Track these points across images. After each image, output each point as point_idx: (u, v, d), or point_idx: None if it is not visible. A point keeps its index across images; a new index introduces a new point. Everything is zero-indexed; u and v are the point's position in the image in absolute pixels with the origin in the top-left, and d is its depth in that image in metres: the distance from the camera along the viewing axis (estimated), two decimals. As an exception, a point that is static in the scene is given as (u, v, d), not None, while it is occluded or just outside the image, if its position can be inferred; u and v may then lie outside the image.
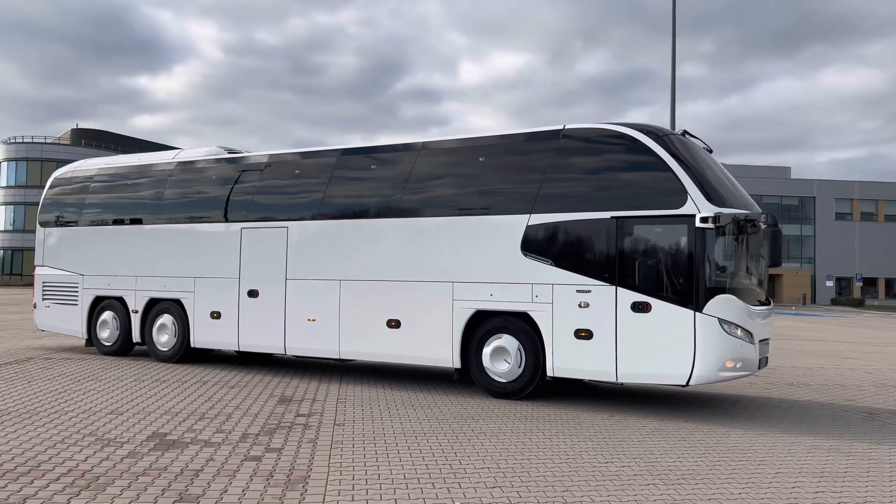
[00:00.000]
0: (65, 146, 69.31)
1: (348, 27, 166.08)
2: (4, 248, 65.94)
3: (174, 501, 5.19)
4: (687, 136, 9.65)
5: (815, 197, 72.54)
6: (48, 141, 71.34)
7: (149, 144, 72.02)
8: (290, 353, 11.30)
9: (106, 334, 13.36)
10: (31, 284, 13.62)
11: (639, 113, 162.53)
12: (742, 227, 8.58)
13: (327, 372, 11.95)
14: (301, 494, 5.43)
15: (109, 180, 13.83)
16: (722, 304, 8.41)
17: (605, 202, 9.02)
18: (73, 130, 75.42)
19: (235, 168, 12.35)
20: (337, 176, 11.11)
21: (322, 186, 11.18)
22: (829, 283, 66.46)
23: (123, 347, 13.21)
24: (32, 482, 5.55)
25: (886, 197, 71.14)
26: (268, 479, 5.79)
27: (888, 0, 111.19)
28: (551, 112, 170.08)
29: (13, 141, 70.49)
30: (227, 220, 12.07)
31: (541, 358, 9.32)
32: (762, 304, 9.49)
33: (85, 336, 13.69)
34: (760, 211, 8.72)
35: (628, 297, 8.73)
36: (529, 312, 9.37)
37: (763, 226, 8.64)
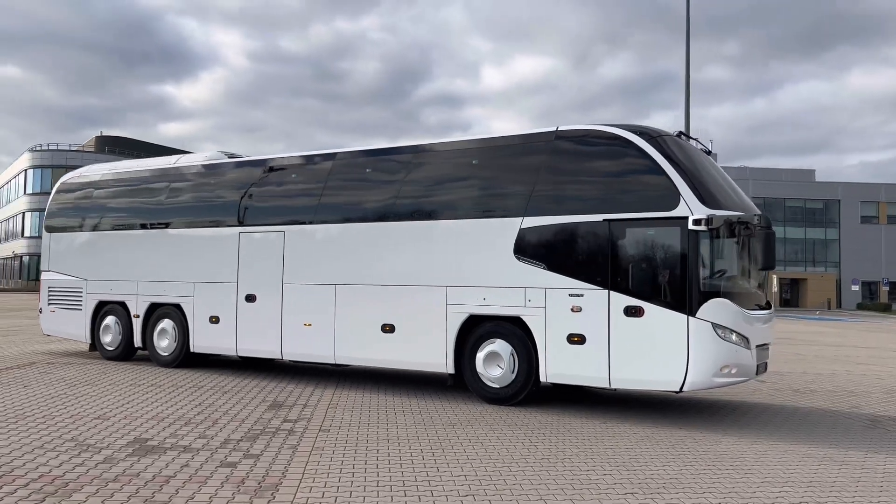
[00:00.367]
0: (89, 153, 70.17)
1: (371, 33, 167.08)
2: (30, 255, 66.86)
3: (136, 508, 5.14)
4: (683, 137, 9.48)
5: (839, 200, 71.51)
6: (73, 148, 72.29)
7: (172, 151, 72.78)
8: (286, 358, 11.25)
9: (108, 339, 13.40)
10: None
11: (663, 116, 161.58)
12: (736, 229, 8.38)
13: (325, 377, 11.89)
14: (268, 502, 5.35)
15: (112, 185, 13.90)
16: (715, 309, 8.22)
17: (598, 204, 8.87)
18: (97, 138, 76.41)
19: (233, 173, 12.35)
20: (332, 179, 11.05)
21: (318, 190, 11.13)
22: (855, 288, 65.37)
23: (126, 352, 13.25)
24: (1, 487, 5.52)
25: (913, 199, 70.02)
26: (238, 487, 5.71)
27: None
28: (575, 116, 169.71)
29: (38, 148, 71.54)
30: (225, 225, 12.06)
31: (534, 363, 9.18)
32: (761, 308, 9.29)
33: (88, 341, 13.75)
34: (754, 213, 8.51)
35: (621, 301, 8.57)
36: (522, 317, 9.23)
37: (756, 228, 8.41)
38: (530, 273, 9.18)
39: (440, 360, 9.81)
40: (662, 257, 8.48)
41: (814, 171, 76.77)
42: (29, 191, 69.15)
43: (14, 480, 5.71)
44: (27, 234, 68.04)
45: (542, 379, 9.11)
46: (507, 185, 9.63)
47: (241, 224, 11.84)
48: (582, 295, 8.82)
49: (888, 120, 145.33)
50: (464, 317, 9.65)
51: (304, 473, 6.11)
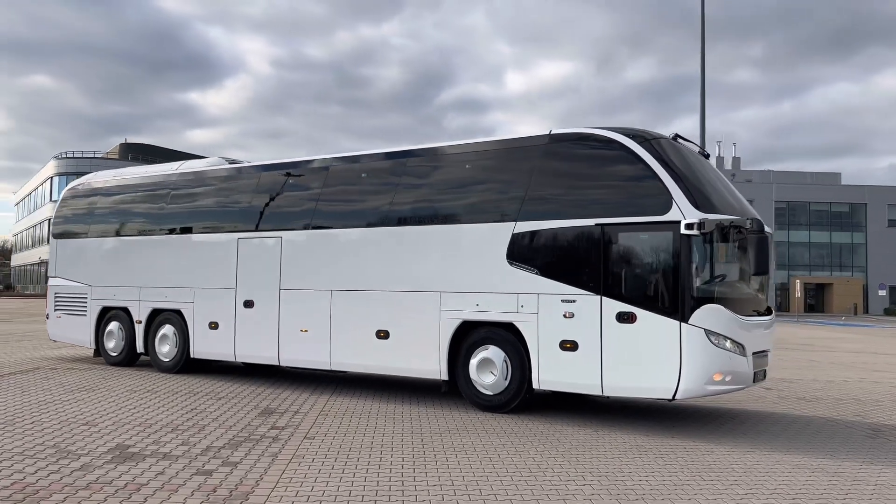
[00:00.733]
0: (113, 160, 71.08)
1: (393, 39, 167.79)
2: (55, 260, 67.63)
3: (98, 517, 5.09)
4: (679, 140, 9.31)
5: (866, 203, 70.38)
6: (97, 156, 73.22)
7: (194, 158, 73.41)
8: (283, 363, 11.21)
9: (112, 345, 13.46)
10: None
11: (688, 119, 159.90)
12: (729, 233, 8.19)
13: (322, 383, 11.83)
14: (235, 511, 5.29)
15: (115, 192, 13.98)
16: (709, 315, 8.04)
17: (590, 209, 8.73)
18: (121, 145, 77.34)
19: (231, 178, 12.36)
20: (328, 184, 11.01)
21: (314, 195, 11.10)
22: (882, 293, 64.21)
23: (129, 358, 13.29)
24: (-30, 495, 5.51)
25: (942, 203, 68.75)
26: (208, 495, 5.64)
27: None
28: (598, 120, 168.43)
29: (64, 156, 72.60)
30: (224, 231, 12.07)
31: (527, 370, 9.04)
32: (760, 314, 9.08)
33: (93, 347, 13.83)
34: (747, 217, 8.30)
35: (613, 307, 8.42)
36: (515, 323, 9.11)
37: (749, 232, 8.19)
38: (523, 278, 9.05)
39: (434, 367, 9.71)
40: (655, 262, 8.32)
41: (839, 174, 75.74)
42: (54, 198, 70.14)
43: (-15, 487, 5.69)
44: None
45: (535, 386, 8.97)
46: (500, 189, 9.51)
47: (239, 230, 11.83)
48: (574, 301, 8.67)
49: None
50: (457, 323, 9.54)
51: (278, 482, 6.04)
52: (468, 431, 8.20)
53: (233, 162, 13.05)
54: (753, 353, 8.54)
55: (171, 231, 12.81)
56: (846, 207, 71.02)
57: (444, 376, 9.67)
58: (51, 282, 14.64)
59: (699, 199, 8.26)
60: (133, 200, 13.63)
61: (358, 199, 10.72)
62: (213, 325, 11.94)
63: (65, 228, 14.63)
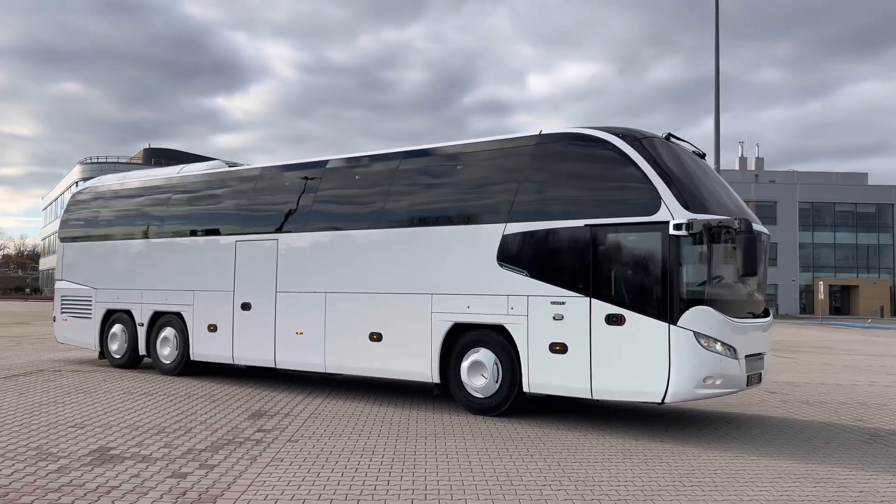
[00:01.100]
0: (137, 165, 71.86)
1: (417, 43, 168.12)
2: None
3: (60, 520, 5.08)
4: (672, 139, 9.17)
5: (893, 204, 69.23)
6: (121, 160, 74.11)
7: (235, 164, 73.89)
8: (279, 366, 11.20)
9: (115, 347, 13.56)
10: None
11: (713, 120, 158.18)
12: (718, 234, 8.01)
13: (319, 386, 11.80)
14: (199, 514, 5.26)
15: (119, 196, 14.09)
16: (698, 317, 7.89)
17: (580, 209, 8.62)
18: (145, 150, 78.24)
19: (229, 181, 12.40)
20: (323, 187, 10.99)
21: (309, 197, 11.08)
22: (910, 294, 63.06)
23: (132, 360, 13.37)
24: (-60, 497, 5.53)
25: (971, 203, 67.44)
26: (178, 498, 5.62)
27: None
28: (623, 121, 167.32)
29: (89, 161, 73.56)
30: (222, 233, 12.10)
31: (518, 373, 8.94)
32: (756, 316, 8.92)
33: (98, 349, 13.94)
34: (736, 217, 8.12)
35: (602, 309, 8.30)
36: (505, 325, 9.02)
37: (737, 232, 8.01)
38: (513, 280, 8.96)
39: (426, 370, 9.65)
40: (644, 264, 8.19)
41: (866, 174, 74.62)
42: (79, 202, 70.97)
43: (-43, 489, 5.72)
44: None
45: (525, 389, 8.87)
46: (491, 190, 9.43)
47: (237, 232, 11.86)
48: (564, 303, 8.56)
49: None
50: (448, 325, 9.47)
51: (250, 485, 6.00)
52: (454, 435, 8.12)
53: (232, 165, 13.09)
54: (747, 356, 8.37)
55: (172, 234, 12.88)
56: (872, 208, 69.89)
57: (436, 379, 9.60)
58: (58, 285, 14.79)
59: (689, 199, 8.12)
60: (136, 204, 13.72)
61: (351, 201, 10.70)
62: (212, 328, 11.97)
63: (71, 232, 14.77)
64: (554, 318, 8.61)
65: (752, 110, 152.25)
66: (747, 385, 8.47)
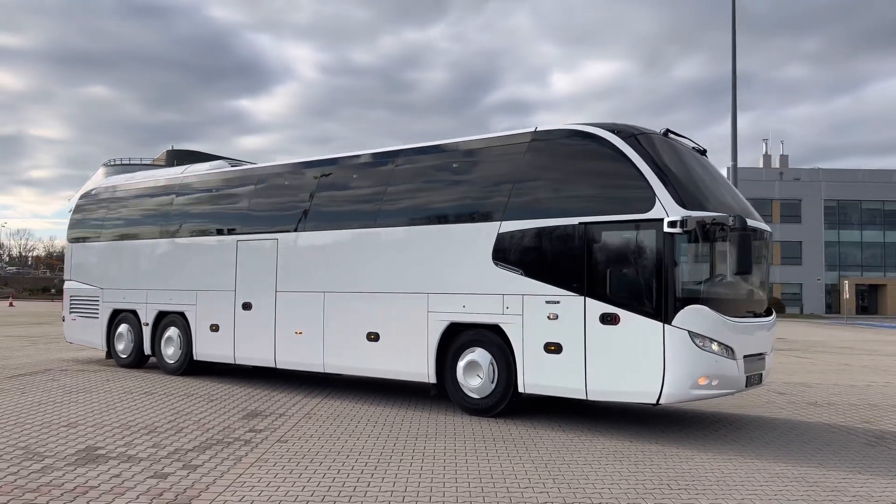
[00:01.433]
0: (159, 166, 72.54)
1: (439, 43, 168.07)
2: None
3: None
4: (670, 135, 9.00)
5: (921, 201, 67.96)
6: (144, 162, 74.90)
7: (239, 164, 74.58)
8: (279, 366, 11.18)
9: (121, 347, 13.63)
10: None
11: (740, 118, 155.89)
12: (712, 231, 7.83)
13: (319, 386, 11.74)
14: (171, 516, 5.21)
15: (124, 197, 14.17)
16: (693, 316, 7.72)
17: (574, 207, 8.48)
18: (167, 151, 78.99)
19: (231, 181, 12.41)
20: (321, 186, 10.95)
21: (308, 197, 11.05)
22: (939, 293, 61.87)
23: (137, 360, 13.43)
24: (-83, 496, 5.54)
25: None
26: (153, 499, 5.58)
27: None
28: (647, 119, 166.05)
29: (113, 163, 74.45)
30: (224, 233, 12.11)
31: (513, 373, 8.82)
32: (757, 315, 8.73)
33: (105, 349, 14.02)
34: (730, 214, 7.91)
35: (597, 308, 8.15)
36: (501, 325, 8.90)
37: (731, 230, 7.80)
38: (508, 279, 8.84)
39: (422, 370, 9.56)
40: (638, 262, 8.03)
41: (894, 171, 73.25)
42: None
43: (-64, 489, 5.72)
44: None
45: (521, 389, 8.75)
46: (487, 188, 9.33)
47: (238, 232, 11.86)
48: (558, 302, 8.43)
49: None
50: (444, 325, 9.37)
51: (228, 486, 5.94)
52: (445, 436, 8.02)
53: (235, 165, 13.11)
54: (746, 357, 8.18)
55: (176, 234, 12.91)
56: (900, 205, 68.65)
57: (433, 379, 9.51)
58: (66, 285, 14.91)
59: (685, 196, 7.95)
60: (140, 204, 13.79)
61: (348, 200, 10.64)
62: (214, 328, 11.98)
63: (79, 232, 14.88)
64: (549, 317, 8.48)
65: (779, 107, 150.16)
66: (746, 386, 8.28)
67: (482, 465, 6.76)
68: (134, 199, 13.97)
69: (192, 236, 12.64)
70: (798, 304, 66.07)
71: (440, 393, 9.71)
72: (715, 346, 7.80)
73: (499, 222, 8.98)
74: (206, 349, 12.14)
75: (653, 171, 8.02)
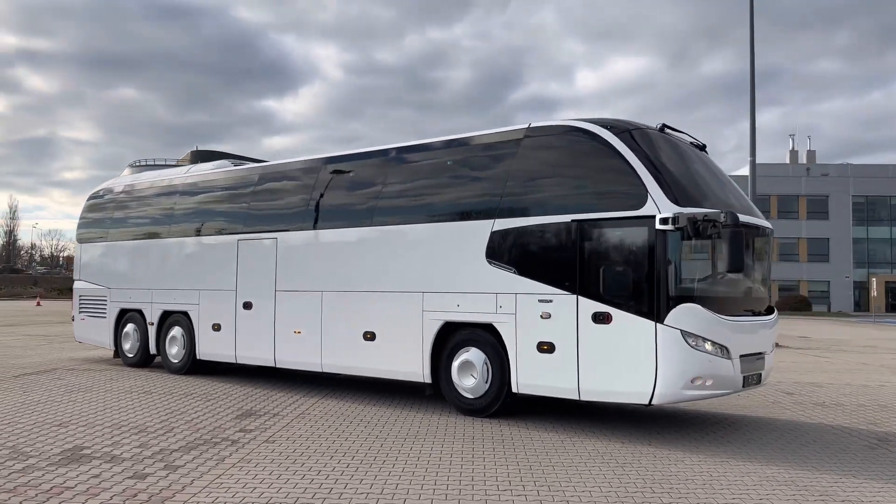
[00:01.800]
0: (183, 167, 73.05)
1: (463, 41, 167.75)
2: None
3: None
4: (667, 130, 8.82)
5: (953, 196, 66.52)
6: (168, 163, 75.55)
7: (242, 163, 74.93)
8: (279, 365, 11.15)
9: (128, 346, 13.71)
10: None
11: (769, 113, 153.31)
12: (704, 228, 7.63)
13: (320, 385, 11.69)
14: (140, 517, 5.17)
15: (130, 197, 14.25)
16: (685, 315, 7.55)
17: (567, 204, 8.34)
18: (192, 152, 79.29)
19: (232, 181, 12.42)
20: (319, 184, 10.91)
21: (306, 196, 11.01)
22: (971, 291, 60.53)
23: (143, 359, 13.49)
24: None
25: None
26: (126, 500, 5.55)
27: None
28: (674, 116, 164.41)
29: (138, 164, 75.01)
30: (225, 232, 12.12)
31: (507, 373, 8.70)
32: (756, 313, 8.53)
33: (112, 348, 14.11)
34: (722, 211, 7.68)
35: (589, 307, 8.01)
36: (494, 324, 8.79)
37: (723, 226, 7.60)
38: (501, 278, 8.72)
39: (418, 370, 9.47)
40: (630, 260, 7.86)
41: (925, 166, 71.76)
42: (129, 204, 72.62)
43: (-87, 488, 5.74)
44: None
45: (514, 390, 8.62)
46: (480, 185, 9.22)
47: (239, 231, 11.86)
48: (551, 301, 8.30)
49: None
50: (439, 324, 9.28)
51: (205, 488, 5.90)
52: (435, 437, 7.93)
53: (237, 164, 13.12)
54: (743, 356, 7.99)
55: (179, 233, 12.95)
56: (929, 201, 67.25)
57: (428, 379, 9.42)
58: (76, 285, 15.02)
59: (678, 192, 7.77)
60: (146, 204, 13.86)
61: (345, 198, 10.59)
62: (216, 327, 11.99)
63: (87, 233, 14.99)
64: (541, 316, 8.35)
65: (810, 103, 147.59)
66: (743, 386, 8.09)
67: (465, 466, 6.66)
68: (139, 198, 14.05)
69: (194, 236, 12.68)
70: (826, 302, 65.00)
71: (436, 393, 9.61)
72: (708, 346, 7.62)
73: (492, 220, 8.87)
74: (209, 349, 12.16)
75: (645, 167, 7.85)
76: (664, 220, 7.53)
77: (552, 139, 8.74)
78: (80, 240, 15.13)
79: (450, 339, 9.27)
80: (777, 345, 19.59)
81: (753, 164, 24.32)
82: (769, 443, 7.87)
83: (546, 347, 8.30)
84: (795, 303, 59.81)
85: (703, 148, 9.31)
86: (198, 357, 12.36)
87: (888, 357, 19.40)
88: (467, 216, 9.17)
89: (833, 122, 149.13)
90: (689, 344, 7.52)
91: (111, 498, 5.60)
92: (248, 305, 11.51)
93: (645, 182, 7.77)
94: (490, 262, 8.83)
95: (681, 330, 7.51)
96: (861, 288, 66.16)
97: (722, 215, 7.51)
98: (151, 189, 13.90)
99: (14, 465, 6.50)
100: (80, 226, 15.26)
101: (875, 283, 52.28)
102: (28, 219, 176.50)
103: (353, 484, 6.05)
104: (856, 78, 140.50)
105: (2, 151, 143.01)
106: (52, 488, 5.82)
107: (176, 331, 12.73)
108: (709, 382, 7.68)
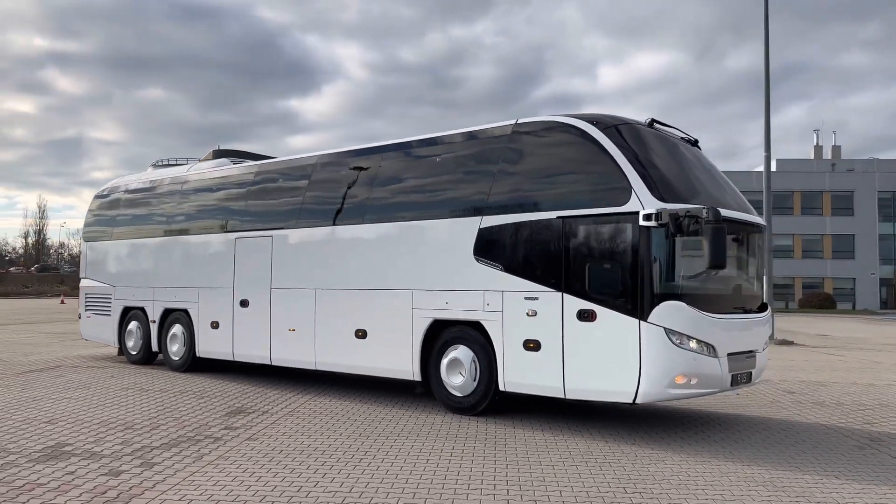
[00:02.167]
0: (205, 166, 73.64)
1: (485, 38, 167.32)
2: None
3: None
4: (656, 125, 8.70)
5: (982, 191, 65.17)
6: (190, 162, 76.23)
7: (241, 161, 75.53)
8: (275, 363, 11.17)
9: (131, 343, 13.83)
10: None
11: (797, 108, 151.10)
12: (686, 224, 7.48)
13: (316, 383, 11.69)
14: (103, 514, 5.19)
15: (133, 196, 14.37)
16: (669, 312, 7.44)
17: (552, 201, 8.26)
18: (213, 151, 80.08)
19: (229, 179, 12.47)
20: (312, 182, 10.92)
21: (300, 194, 11.03)
22: None
23: (146, 357, 13.60)
24: None
25: None
26: (94, 497, 5.57)
27: None
28: (699, 112, 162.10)
29: (160, 164, 75.86)
30: (222, 231, 12.17)
31: (495, 371, 8.64)
32: (748, 311, 8.39)
33: (117, 346, 14.24)
34: (704, 206, 7.53)
35: (574, 304, 7.92)
36: (482, 322, 8.73)
37: (704, 222, 7.44)
38: (489, 275, 8.66)
39: (408, 367, 9.44)
40: (615, 257, 7.76)
41: (953, 160, 70.38)
42: (152, 203, 73.49)
43: None
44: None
45: (501, 388, 8.56)
46: (469, 182, 9.15)
47: (236, 229, 11.91)
48: (537, 298, 8.22)
49: None
50: (428, 322, 9.24)
51: (175, 486, 5.90)
52: (419, 435, 7.89)
53: (236, 162, 13.18)
54: (731, 354, 7.86)
55: (179, 232, 13.03)
56: (958, 197, 65.93)
57: (418, 377, 9.38)
58: (82, 283, 15.17)
59: (663, 188, 7.66)
60: (148, 203, 13.97)
61: (336, 196, 10.57)
62: (215, 325, 12.04)
63: (92, 231, 15.14)
64: (528, 314, 8.28)
65: (838, 96, 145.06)
66: (732, 385, 7.96)
67: (441, 465, 6.61)
68: (142, 197, 14.16)
69: (193, 234, 12.75)
70: (851, 299, 64.03)
71: (426, 391, 9.57)
72: (693, 344, 7.50)
73: (480, 217, 8.81)
74: (208, 346, 12.22)
75: (630, 162, 7.75)
76: (647, 217, 7.43)
77: (539, 135, 8.67)
78: (87, 238, 15.29)
79: (439, 336, 9.23)
80: (792, 342, 19.24)
81: (768, 161, 24.00)
82: (757, 442, 7.73)
83: (532, 345, 8.22)
84: (819, 300, 59.03)
85: (695, 143, 9.18)
86: (197, 355, 12.42)
87: (904, 355, 19.04)
88: (456, 213, 9.12)
89: (861, 117, 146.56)
90: (672, 342, 7.41)
91: (80, 495, 5.62)
92: (245, 303, 11.55)
93: (629, 177, 7.66)
94: (478, 260, 8.77)
95: (664, 328, 7.40)
96: (887, 285, 65.10)
97: (704, 211, 7.38)
98: (153, 188, 14.01)
99: (-7, 461, 6.56)
100: (86, 224, 15.42)
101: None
102: (59, 218, 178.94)
103: (324, 483, 6.02)
104: (885, 71, 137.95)
105: (33, 152, 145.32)
106: (24, 485, 5.86)
107: (177, 328, 12.81)
108: (694, 381, 7.56)
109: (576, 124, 8.26)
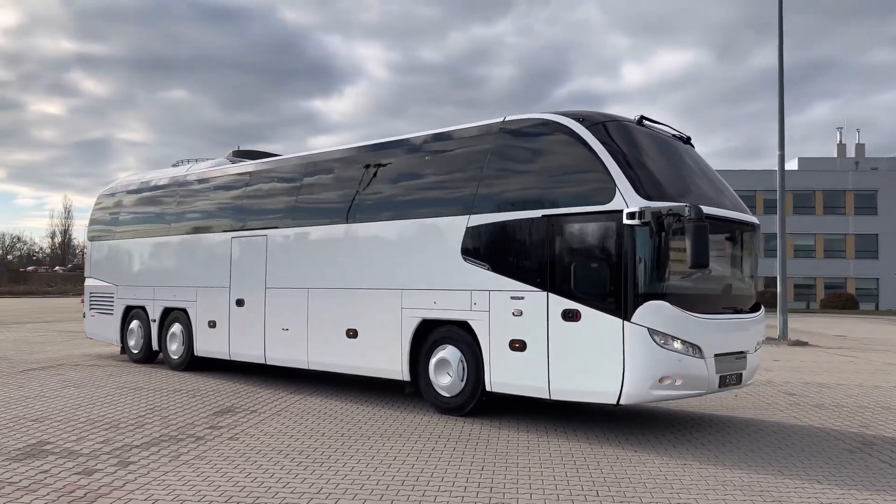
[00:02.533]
0: (225, 166, 74.08)
1: (506, 38, 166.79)
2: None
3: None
4: (645, 122, 8.56)
5: None
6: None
7: (240, 161, 75.99)
8: (269, 362, 11.16)
9: (133, 342, 13.90)
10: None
11: (822, 106, 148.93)
12: (669, 223, 7.32)
13: (311, 382, 11.65)
14: (66, 513, 5.17)
15: (135, 196, 14.44)
16: (653, 312, 7.31)
17: (538, 199, 8.16)
18: (233, 152, 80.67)
19: (226, 179, 12.49)
20: (305, 182, 10.89)
21: (293, 193, 11.01)
22: None
23: (147, 355, 13.66)
24: None
25: None
26: (60, 496, 5.56)
27: None
28: (722, 110, 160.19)
29: (180, 164, 76.54)
30: (219, 230, 12.18)
31: (482, 371, 8.55)
32: (739, 311, 8.24)
33: (119, 344, 14.32)
34: (686, 204, 7.36)
35: (559, 304, 7.81)
36: (469, 321, 8.65)
37: (687, 220, 7.28)
38: (475, 275, 8.58)
39: (397, 367, 9.38)
40: (599, 256, 7.64)
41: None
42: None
43: None
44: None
45: (488, 388, 8.47)
46: (457, 181, 9.08)
47: (232, 229, 11.92)
48: (523, 298, 8.13)
49: None
50: (417, 321, 9.17)
51: (144, 485, 5.88)
52: (401, 436, 7.82)
53: (235, 162, 13.20)
54: (719, 355, 7.71)
55: (179, 231, 13.07)
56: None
57: (407, 377, 9.32)
58: (86, 282, 15.28)
59: (649, 186, 7.52)
60: (149, 202, 14.03)
61: (327, 195, 10.56)
62: (212, 324, 12.06)
63: (95, 231, 15.24)
64: (514, 313, 8.18)
65: (865, 94, 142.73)
66: (720, 387, 7.81)
67: (418, 466, 6.54)
68: (143, 197, 14.23)
69: (192, 233, 12.78)
70: (874, 300, 63.06)
71: (416, 391, 9.50)
72: (678, 344, 7.37)
73: (467, 216, 8.72)
74: (205, 345, 12.24)
75: (614, 160, 7.62)
76: (630, 215, 7.30)
77: (525, 132, 8.57)
78: (91, 238, 15.40)
79: (428, 336, 9.16)
80: (807, 343, 18.89)
81: (782, 160, 23.68)
82: (744, 445, 7.58)
83: (518, 345, 8.13)
84: (841, 301, 58.20)
85: (687, 140, 9.02)
86: (196, 354, 12.45)
87: (919, 357, 18.67)
88: (444, 212, 9.04)
89: (888, 115, 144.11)
90: (656, 342, 7.28)
91: (48, 493, 5.62)
92: (240, 303, 11.55)
93: (613, 175, 7.54)
94: (465, 259, 8.69)
95: (648, 328, 7.27)
96: (911, 285, 64.01)
97: (686, 209, 7.23)
98: (154, 187, 14.07)
99: (-29, 459, 6.58)
100: (90, 224, 15.52)
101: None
102: (85, 218, 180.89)
103: (294, 483, 5.97)
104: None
105: (61, 153, 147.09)
106: (-5, 483, 5.87)
107: (176, 327, 12.85)
108: (679, 382, 7.42)
109: (561, 121, 8.15)
